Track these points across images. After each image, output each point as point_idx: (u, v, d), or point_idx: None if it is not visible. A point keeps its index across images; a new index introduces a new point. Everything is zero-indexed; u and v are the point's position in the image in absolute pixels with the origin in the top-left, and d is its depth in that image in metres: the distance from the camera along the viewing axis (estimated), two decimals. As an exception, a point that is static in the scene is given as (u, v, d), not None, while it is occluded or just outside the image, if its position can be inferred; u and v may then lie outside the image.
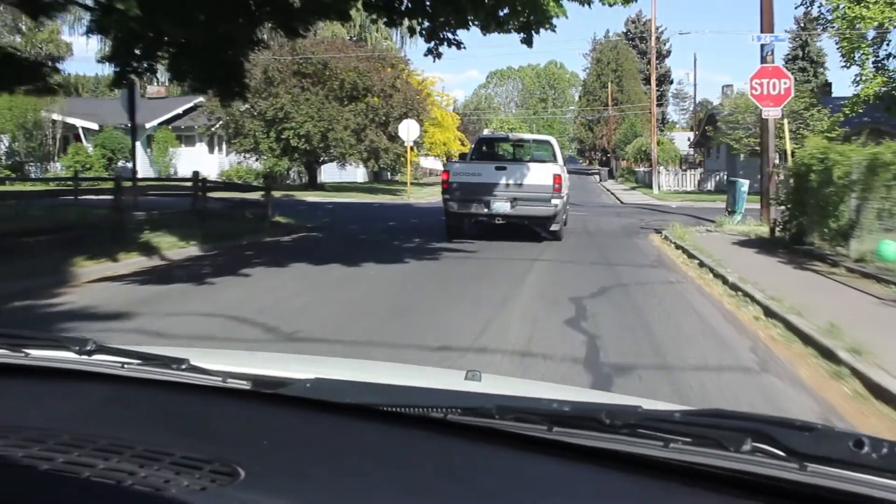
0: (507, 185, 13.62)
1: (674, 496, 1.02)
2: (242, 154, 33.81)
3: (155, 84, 50.77)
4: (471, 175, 13.76)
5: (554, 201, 13.56)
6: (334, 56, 32.06)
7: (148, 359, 1.46)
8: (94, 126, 39.06)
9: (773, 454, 0.99)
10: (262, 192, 18.46)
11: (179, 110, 42.28)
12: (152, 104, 45.53)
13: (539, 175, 13.63)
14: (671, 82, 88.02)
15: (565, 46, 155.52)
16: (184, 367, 1.41)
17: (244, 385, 1.36)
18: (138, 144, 42.47)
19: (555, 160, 16.04)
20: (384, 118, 32.68)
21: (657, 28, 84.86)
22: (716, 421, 1.07)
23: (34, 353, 1.48)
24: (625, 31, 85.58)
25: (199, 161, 42.99)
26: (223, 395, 1.36)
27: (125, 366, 1.44)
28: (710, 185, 39.65)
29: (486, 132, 44.01)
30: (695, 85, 54.85)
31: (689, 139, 61.31)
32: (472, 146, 16.95)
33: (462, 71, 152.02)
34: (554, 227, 14.09)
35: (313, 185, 35.39)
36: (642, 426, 1.08)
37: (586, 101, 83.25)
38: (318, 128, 31.19)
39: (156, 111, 42.57)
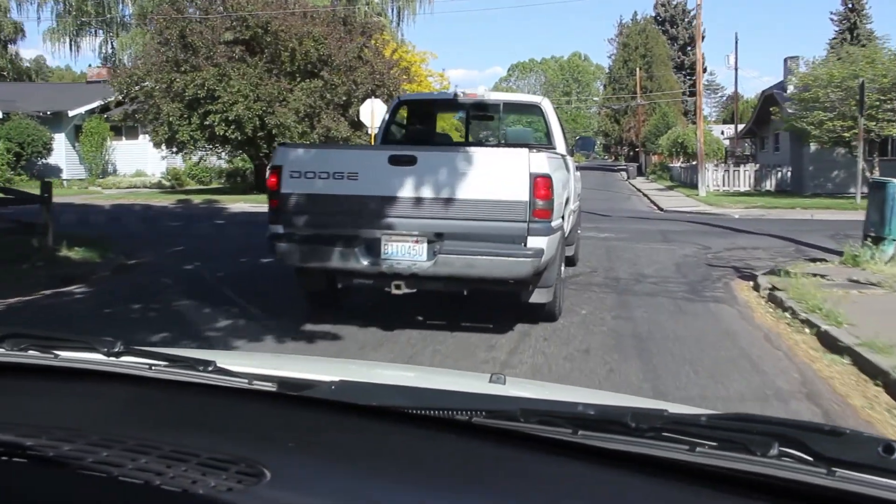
0: (420, 201, 5.67)
1: (700, 500, 1.02)
2: (160, 147, 25.90)
3: (97, 65, 43.31)
4: (333, 178, 5.78)
5: (533, 241, 5.59)
6: (273, 14, 24.01)
7: (175, 361, 1.45)
8: (-2, 113, 31.34)
9: (801, 459, 0.98)
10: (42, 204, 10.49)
11: (125, 98, 34.37)
12: (81, 88, 37.95)
13: (497, 176, 5.65)
14: (704, 70, 79.68)
15: (591, 34, 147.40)
16: (210, 368, 1.40)
17: (270, 387, 1.35)
18: (62, 137, 35.18)
19: (549, 143, 8.01)
20: (345, 98, 24.68)
21: (689, 11, 77.84)
22: (743, 425, 1.05)
23: (63, 354, 1.47)
24: (654, 14, 78.61)
25: (144, 157, 35.25)
26: (249, 397, 1.36)
27: (153, 367, 1.43)
28: (770, 184, 31.27)
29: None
30: (736, 69, 46.31)
31: (722, 132, 53.77)
32: (385, 118, 8.69)
33: (486, 67, 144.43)
34: (539, 298, 6.11)
35: (261, 186, 27.46)
36: (668, 430, 1.06)
37: (612, 89, 75.88)
38: (252, 110, 23.23)
39: (85, 95, 34.83)
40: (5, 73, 50.95)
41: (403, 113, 8.85)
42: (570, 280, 8.71)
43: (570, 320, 6.71)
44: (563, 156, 7.31)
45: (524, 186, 5.49)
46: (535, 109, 8.38)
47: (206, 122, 23.55)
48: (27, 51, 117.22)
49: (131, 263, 10.61)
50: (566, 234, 7.36)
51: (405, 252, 5.70)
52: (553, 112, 8.18)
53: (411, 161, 5.64)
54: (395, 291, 5.70)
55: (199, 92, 23.24)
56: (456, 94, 8.39)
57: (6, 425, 1.15)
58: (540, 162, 5.55)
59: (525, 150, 5.57)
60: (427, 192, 5.61)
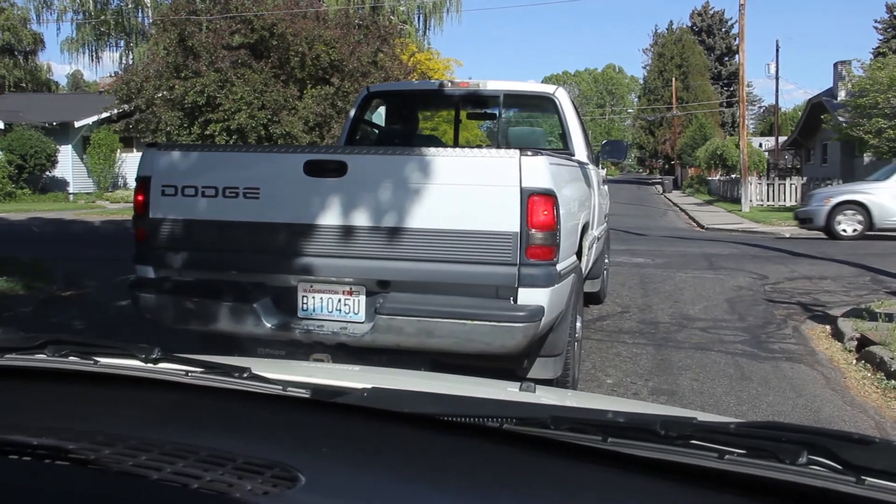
0: (354, 231, 3.74)
1: None
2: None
3: (109, 74, 42.06)
4: (223, 195, 3.83)
5: (528, 295, 3.58)
6: (280, 15, 22.29)
7: (211, 367, 1.48)
8: (-1, 124, 29.95)
9: (830, 467, 0.98)
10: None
11: (127, 106, 32.85)
12: (90, 98, 36.63)
13: (472, 194, 3.65)
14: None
15: (625, 46, 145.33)
16: (245, 375, 1.42)
17: (304, 393, 1.36)
18: (69, 149, 33.80)
19: (565, 147, 6.10)
20: (357, 106, 22.82)
21: (726, 21, 75.60)
22: (771, 433, 1.06)
23: (103, 360, 1.50)
24: (690, 24, 76.51)
25: (156, 169, 33.86)
26: (283, 403, 1.37)
27: (189, 374, 1.46)
28: (818, 199, 28.84)
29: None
30: (777, 76, 43.70)
31: (761, 144, 51.46)
32: (350, 116, 6.58)
33: (519, 79, 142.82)
34: (541, 372, 4.04)
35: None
36: (697, 437, 1.07)
37: (647, 100, 73.83)
38: (256, 119, 21.52)
39: (93, 106, 33.34)
40: (24, 85, 50.05)
41: (378, 109, 6.93)
42: (592, 326, 6.73)
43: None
44: (580, 163, 5.32)
45: (513, 209, 3.53)
46: (546, 103, 6.37)
47: (207, 132, 21.87)
48: (63, 66, 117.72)
49: (66, 295, 8.83)
50: (586, 272, 5.39)
51: (333, 309, 3.79)
52: (571, 106, 6.17)
53: (339, 170, 3.69)
54: (317, 361, 3.70)
55: (198, 99, 21.60)
56: (442, 84, 6.44)
57: (49, 429, 1.16)
58: (538, 171, 3.56)
59: (515, 154, 3.59)
60: (365, 219, 3.68)
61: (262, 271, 3.87)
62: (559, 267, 3.74)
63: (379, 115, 7.42)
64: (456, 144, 7.46)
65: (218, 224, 3.87)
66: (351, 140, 6.32)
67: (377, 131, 6.83)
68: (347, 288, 3.78)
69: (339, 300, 3.78)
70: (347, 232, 3.70)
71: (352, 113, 6.47)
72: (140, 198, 3.95)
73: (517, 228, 3.53)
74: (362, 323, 3.75)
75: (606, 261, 7.80)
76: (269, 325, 3.76)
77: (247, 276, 3.88)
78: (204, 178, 3.86)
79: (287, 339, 3.78)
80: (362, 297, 3.77)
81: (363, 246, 3.71)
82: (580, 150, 6.01)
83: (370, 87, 6.68)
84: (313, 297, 3.81)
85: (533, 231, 3.53)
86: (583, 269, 4.94)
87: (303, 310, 3.82)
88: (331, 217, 3.71)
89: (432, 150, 3.75)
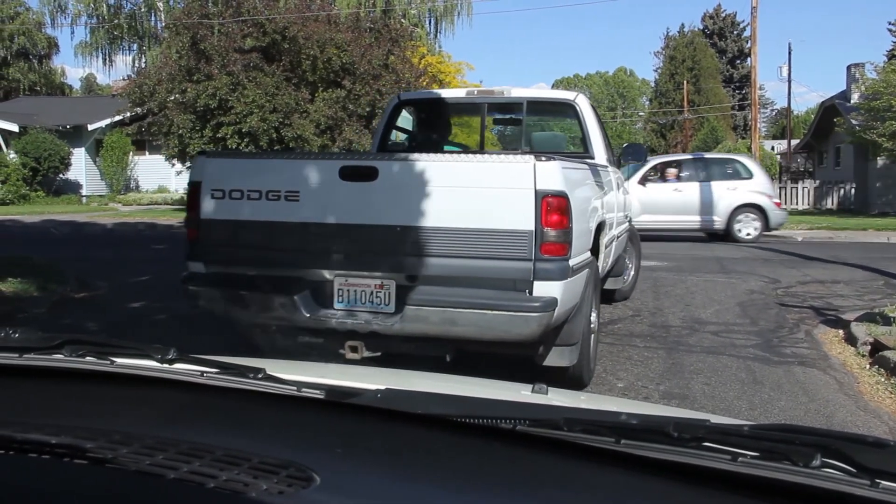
0: (384, 230, 4.12)
1: None
2: (171, 162, 24.48)
3: (122, 77, 42.28)
4: (266, 198, 4.25)
5: (543, 288, 3.88)
6: (292, 19, 22.37)
7: (226, 368, 1.49)
8: (14, 127, 30.10)
9: (844, 470, 0.97)
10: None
11: (140, 109, 32.95)
12: (103, 101, 36.81)
13: (491, 196, 3.93)
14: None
15: (636, 49, 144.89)
16: (260, 376, 1.43)
17: (318, 394, 1.38)
18: (82, 151, 33.99)
19: (585, 151, 6.27)
20: (369, 109, 22.89)
21: (738, 24, 75.43)
22: (785, 436, 1.06)
23: (119, 360, 1.51)
24: (702, 27, 76.17)
25: (168, 172, 33.75)
26: (298, 404, 1.39)
27: (204, 374, 1.47)
28: (831, 202, 28.77)
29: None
30: (789, 79, 43.56)
31: (773, 148, 51.23)
32: (381, 123, 6.94)
33: (530, 82, 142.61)
34: (557, 360, 4.37)
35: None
36: (710, 440, 1.07)
37: (658, 103, 73.54)
38: (268, 122, 21.59)
39: (106, 109, 33.54)
40: (38, 88, 50.41)
41: (407, 116, 7.16)
42: (604, 329, 6.75)
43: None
44: (597, 166, 5.50)
45: (528, 210, 3.82)
46: (567, 109, 6.62)
47: (219, 135, 21.95)
48: (77, 69, 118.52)
49: (79, 297, 8.90)
50: (606, 270, 5.57)
51: (365, 300, 4.14)
52: (591, 112, 6.39)
53: (370, 174, 4.08)
54: (350, 355, 4.05)
55: (210, 102, 21.68)
56: (469, 92, 6.74)
57: (67, 428, 1.17)
58: (551, 174, 3.82)
59: (530, 159, 3.87)
60: (395, 219, 4.09)
61: (302, 267, 4.22)
62: (572, 262, 4.00)
63: (406, 120, 7.62)
64: (482, 150, 7.64)
65: (262, 224, 4.24)
66: (383, 146, 6.73)
67: (407, 137, 7.09)
68: (379, 281, 4.10)
69: (372, 293, 4.12)
70: (379, 231, 4.08)
71: (383, 120, 6.80)
72: (192, 201, 4.31)
73: (532, 227, 3.82)
74: (392, 313, 4.05)
75: (627, 262, 7.88)
76: (307, 315, 4.11)
77: (288, 271, 4.23)
78: (249, 182, 4.23)
79: (324, 328, 4.10)
80: (392, 290, 4.09)
81: (393, 243, 4.03)
82: (600, 153, 6.21)
83: (400, 95, 7.19)
84: (348, 290, 4.15)
85: (547, 229, 3.81)
86: (600, 267, 5.18)
87: (338, 301, 4.15)
88: (364, 217, 4.09)
89: (455, 155, 4.16)
